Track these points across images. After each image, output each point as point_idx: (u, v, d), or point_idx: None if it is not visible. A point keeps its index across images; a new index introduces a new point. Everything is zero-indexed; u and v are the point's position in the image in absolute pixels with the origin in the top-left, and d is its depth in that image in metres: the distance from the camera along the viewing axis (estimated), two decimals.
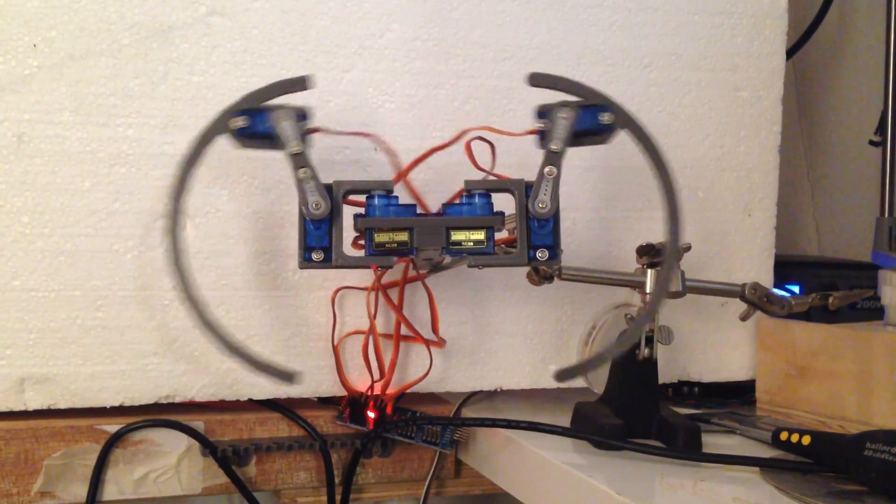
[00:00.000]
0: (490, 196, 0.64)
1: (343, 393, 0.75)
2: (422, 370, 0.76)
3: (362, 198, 0.64)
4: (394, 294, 0.75)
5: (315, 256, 0.63)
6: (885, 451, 0.58)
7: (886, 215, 0.96)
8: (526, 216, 0.64)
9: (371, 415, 0.75)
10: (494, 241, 0.64)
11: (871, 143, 1.03)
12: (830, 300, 0.80)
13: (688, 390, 0.88)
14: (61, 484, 0.69)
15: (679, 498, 0.60)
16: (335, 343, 0.75)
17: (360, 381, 0.75)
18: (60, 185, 0.69)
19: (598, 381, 0.76)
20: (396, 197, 0.64)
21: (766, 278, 0.86)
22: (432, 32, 0.76)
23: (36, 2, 0.67)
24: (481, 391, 0.81)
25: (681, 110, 0.83)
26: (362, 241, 0.64)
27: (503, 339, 0.79)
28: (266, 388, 0.74)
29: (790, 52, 1.05)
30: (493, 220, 0.64)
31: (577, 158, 0.78)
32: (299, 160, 0.62)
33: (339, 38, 0.74)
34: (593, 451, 0.69)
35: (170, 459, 0.72)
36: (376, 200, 0.63)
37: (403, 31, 0.75)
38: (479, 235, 0.63)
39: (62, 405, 0.70)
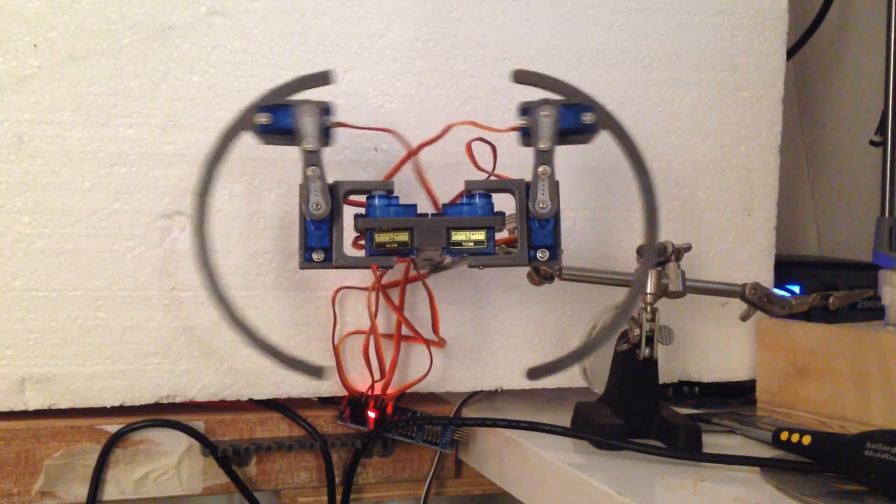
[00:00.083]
0: (490, 196, 0.64)
1: (343, 393, 0.75)
2: (422, 370, 0.76)
3: (363, 198, 0.64)
4: (394, 294, 0.75)
5: (315, 256, 0.63)
6: (886, 451, 0.58)
7: (887, 215, 0.96)
8: (526, 216, 0.64)
9: (371, 415, 0.75)
10: (495, 242, 0.64)
11: (872, 143, 1.03)
12: (831, 300, 0.80)
13: (688, 390, 0.88)
14: (62, 484, 0.69)
15: (679, 498, 0.60)
16: (335, 343, 0.75)
17: (361, 381, 0.75)
18: (61, 185, 0.69)
19: (598, 381, 0.76)
20: (397, 197, 0.64)
21: (766, 278, 0.86)
22: (433, 32, 0.76)
23: (36, 2, 0.67)
24: (481, 391, 0.81)
25: (681, 110, 0.83)
26: (363, 242, 0.64)
27: (503, 339, 0.79)
28: (266, 388, 0.74)
29: (790, 52, 1.04)
30: (493, 221, 0.64)
31: (578, 158, 0.78)
32: (311, 158, 0.62)
33: (339, 38, 0.74)
34: (594, 451, 0.69)
35: (170, 459, 0.72)
36: (377, 201, 0.63)
37: (404, 31, 0.75)
38: (480, 236, 0.64)
39: (63, 405, 0.70)
